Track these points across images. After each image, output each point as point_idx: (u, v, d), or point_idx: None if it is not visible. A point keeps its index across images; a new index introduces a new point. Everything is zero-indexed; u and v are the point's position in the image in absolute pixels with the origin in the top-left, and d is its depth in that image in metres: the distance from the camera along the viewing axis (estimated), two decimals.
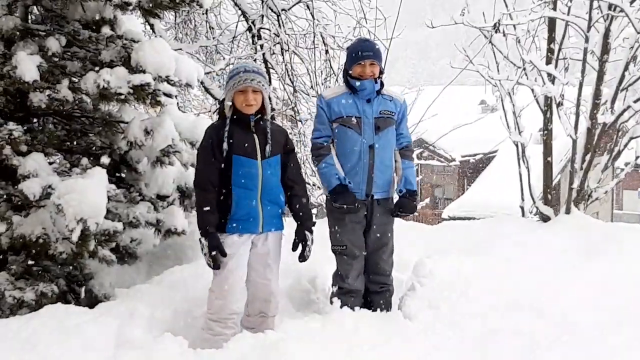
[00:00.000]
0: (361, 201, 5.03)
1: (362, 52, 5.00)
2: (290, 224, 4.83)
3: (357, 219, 5.07)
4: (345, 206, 4.97)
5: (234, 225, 4.47)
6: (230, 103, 4.51)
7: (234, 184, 4.46)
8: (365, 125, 4.97)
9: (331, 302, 5.11)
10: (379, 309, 5.18)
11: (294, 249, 4.72)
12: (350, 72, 5.07)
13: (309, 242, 4.73)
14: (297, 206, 4.75)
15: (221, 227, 4.44)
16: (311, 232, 4.76)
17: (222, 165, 4.44)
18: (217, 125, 4.59)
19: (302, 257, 4.74)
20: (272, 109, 4.90)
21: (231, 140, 4.44)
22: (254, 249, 4.58)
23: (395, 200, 5.23)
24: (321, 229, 5.38)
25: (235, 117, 4.52)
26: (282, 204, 4.68)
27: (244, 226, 4.49)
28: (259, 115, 4.57)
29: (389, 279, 5.29)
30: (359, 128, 4.97)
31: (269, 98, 4.65)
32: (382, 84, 5.10)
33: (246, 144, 4.49)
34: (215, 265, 4.39)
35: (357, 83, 4.99)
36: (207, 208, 4.40)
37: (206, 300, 4.61)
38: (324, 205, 10.23)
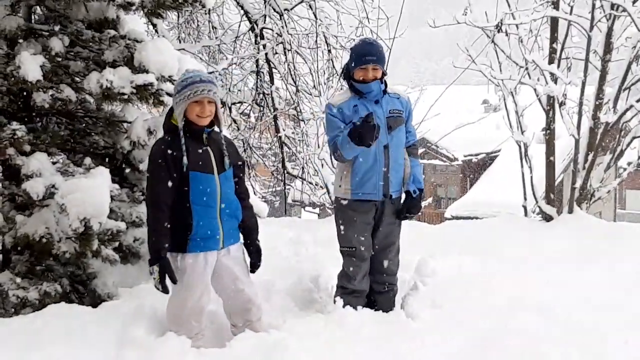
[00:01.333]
0: (373, 202, 5.03)
1: (365, 56, 4.91)
2: None
3: (367, 220, 5.05)
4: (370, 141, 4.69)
5: (195, 245, 4.25)
6: (182, 114, 4.24)
7: (194, 201, 4.22)
8: None
9: (334, 302, 5.11)
10: (382, 309, 5.17)
11: (251, 264, 4.62)
12: (352, 74, 5.02)
13: (259, 254, 4.64)
14: (248, 220, 4.60)
15: (181, 247, 4.24)
16: (259, 242, 4.67)
17: (178, 183, 4.20)
18: (169, 139, 4.29)
19: (255, 269, 4.63)
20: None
21: (188, 156, 4.20)
22: (218, 264, 4.40)
23: (403, 199, 5.21)
24: (325, 229, 5.40)
25: (187, 130, 4.26)
26: (239, 216, 4.49)
27: (205, 244, 4.27)
28: (212, 128, 4.39)
29: (395, 278, 5.28)
30: None
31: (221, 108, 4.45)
32: (386, 84, 5.07)
33: (202, 159, 4.27)
34: (165, 290, 4.19)
35: (363, 87, 4.94)
36: (160, 230, 4.16)
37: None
38: (327, 205, 10.22)
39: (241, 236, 4.60)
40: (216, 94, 4.29)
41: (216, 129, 4.43)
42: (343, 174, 5.06)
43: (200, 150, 4.28)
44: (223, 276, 4.44)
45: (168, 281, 4.17)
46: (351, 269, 5.10)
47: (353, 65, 4.98)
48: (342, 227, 5.12)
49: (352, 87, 5.03)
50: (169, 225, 4.18)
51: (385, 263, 5.18)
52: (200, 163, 4.25)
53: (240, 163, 4.59)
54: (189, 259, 4.25)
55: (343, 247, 5.14)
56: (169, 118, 4.36)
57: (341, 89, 9.52)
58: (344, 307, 4.98)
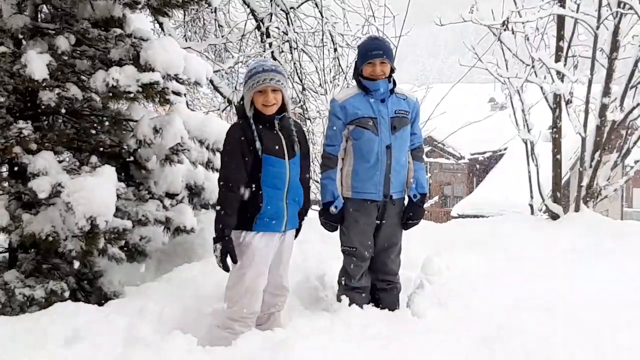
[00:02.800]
0: (374, 202, 5.02)
1: (372, 51, 4.90)
2: None
3: (369, 221, 5.04)
4: (328, 223, 5.08)
5: (262, 224, 4.41)
6: (250, 103, 4.42)
7: (264, 183, 4.40)
8: (381, 125, 4.90)
9: (339, 300, 5.11)
10: (387, 307, 5.17)
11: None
12: (361, 71, 5.02)
13: (298, 234, 4.88)
14: (304, 203, 4.76)
15: (248, 225, 4.40)
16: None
17: (251, 165, 4.37)
18: (242, 125, 4.45)
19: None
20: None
21: (261, 140, 4.37)
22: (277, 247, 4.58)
23: (406, 202, 5.21)
24: None
25: (258, 117, 4.43)
26: (302, 202, 4.68)
27: (271, 225, 4.45)
28: (282, 114, 4.50)
29: (396, 277, 5.27)
30: (375, 129, 4.89)
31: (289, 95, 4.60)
32: (394, 83, 5.05)
33: (274, 144, 4.43)
34: (226, 268, 4.34)
35: (371, 84, 4.92)
36: (229, 211, 4.32)
37: (215, 298, 4.61)
38: None
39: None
40: (280, 82, 4.40)
41: (287, 115, 4.55)
42: (344, 172, 5.04)
43: (272, 136, 4.45)
44: (273, 257, 4.57)
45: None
46: (351, 267, 5.11)
47: (361, 61, 4.98)
48: (343, 227, 5.11)
49: (359, 83, 5.02)
50: (236, 207, 4.35)
51: (387, 263, 5.18)
52: (273, 147, 4.43)
53: (305, 150, 4.72)
54: (253, 237, 4.42)
55: (344, 247, 5.13)
56: (242, 105, 4.50)
57: (347, 87, 9.50)
58: (349, 305, 4.98)
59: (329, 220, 5.06)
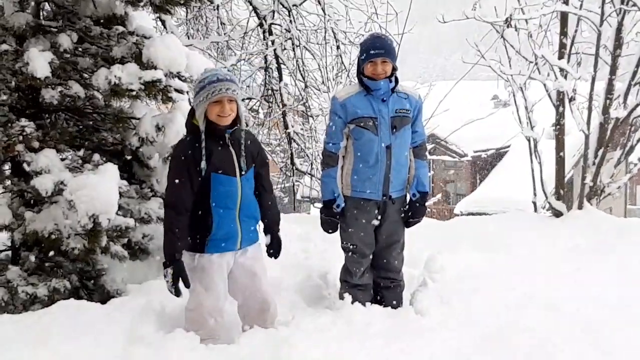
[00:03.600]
0: (374, 201, 5.01)
1: (374, 50, 4.86)
2: None
3: (369, 218, 5.03)
4: (329, 219, 5.08)
5: (214, 245, 4.26)
6: (203, 116, 4.17)
7: (214, 203, 4.21)
8: (381, 125, 4.88)
9: (342, 298, 5.11)
10: (390, 305, 5.17)
11: (268, 250, 4.69)
12: (362, 69, 5.00)
13: (280, 242, 4.73)
14: (271, 212, 4.65)
15: (200, 247, 4.25)
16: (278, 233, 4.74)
17: (199, 184, 4.17)
18: (189, 140, 4.22)
19: (275, 255, 4.73)
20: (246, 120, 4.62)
21: (209, 158, 4.15)
22: (236, 264, 4.43)
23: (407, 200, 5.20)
24: None
25: (209, 131, 4.19)
26: (258, 217, 4.51)
27: (224, 245, 4.28)
28: (234, 127, 4.29)
29: (400, 274, 5.27)
30: (375, 129, 4.87)
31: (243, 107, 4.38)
32: (396, 81, 5.03)
33: (224, 161, 4.22)
34: (178, 294, 4.17)
35: (372, 84, 4.90)
36: (177, 233, 4.13)
37: None
38: None
39: (261, 235, 4.63)
40: (235, 92, 4.19)
41: (240, 127, 4.34)
42: (344, 171, 5.04)
43: (222, 152, 4.23)
44: (240, 276, 4.45)
45: (181, 284, 4.16)
46: (352, 265, 5.12)
47: (362, 59, 4.96)
48: (343, 224, 5.11)
49: (361, 81, 5.01)
50: (186, 229, 4.17)
51: (389, 260, 5.18)
52: (222, 165, 4.21)
53: (261, 162, 4.55)
54: (207, 259, 4.26)
55: (345, 244, 5.13)
56: (191, 118, 4.27)
57: (350, 84, 9.49)
58: (352, 303, 4.98)
59: (330, 216, 5.06)
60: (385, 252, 5.15)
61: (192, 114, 4.28)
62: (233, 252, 4.37)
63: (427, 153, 5.35)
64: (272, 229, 4.68)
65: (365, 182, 4.96)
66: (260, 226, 4.64)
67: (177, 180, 4.15)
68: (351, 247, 5.07)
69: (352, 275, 5.12)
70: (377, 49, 4.87)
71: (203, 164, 4.12)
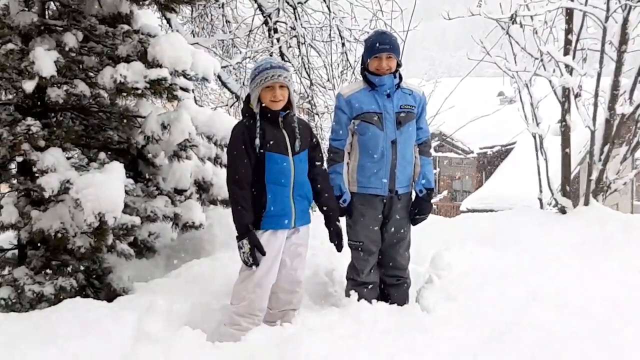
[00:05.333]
0: (380, 197, 5.01)
1: (379, 45, 4.90)
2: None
3: (375, 215, 5.04)
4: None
5: (269, 221, 4.43)
6: (257, 99, 4.46)
7: (268, 180, 4.43)
8: (386, 120, 4.90)
9: (348, 295, 5.11)
10: (396, 302, 5.16)
11: (332, 240, 4.83)
12: (367, 65, 5.02)
13: (341, 233, 4.86)
14: (326, 200, 4.79)
15: (255, 224, 4.40)
16: (339, 223, 4.87)
17: (255, 163, 4.41)
18: (245, 122, 4.51)
19: (340, 247, 4.88)
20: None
21: (263, 138, 4.40)
22: (287, 242, 4.57)
23: (413, 197, 5.20)
24: (340, 223, 5.37)
25: (264, 114, 4.46)
26: (311, 198, 4.69)
27: (278, 222, 4.46)
28: (287, 111, 4.54)
29: (406, 272, 5.27)
30: (380, 124, 4.89)
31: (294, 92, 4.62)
32: (400, 77, 5.05)
33: (277, 141, 4.45)
34: (255, 262, 4.34)
35: (376, 79, 4.92)
36: (245, 205, 4.35)
37: (224, 294, 4.60)
38: None
39: (311, 218, 4.78)
40: (287, 79, 4.46)
41: (291, 112, 4.59)
42: (350, 167, 5.06)
43: (275, 132, 4.48)
44: (285, 254, 4.59)
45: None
46: (359, 262, 5.12)
47: (367, 55, 4.98)
48: (350, 221, 5.12)
49: (365, 78, 5.02)
50: (250, 201, 4.40)
51: (396, 258, 5.18)
52: (276, 144, 4.45)
53: (314, 144, 4.76)
54: (262, 235, 4.41)
55: (351, 241, 5.14)
56: (247, 103, 4.56)
57: (355, 81, 9.49)
58: (358, 300, 4.98)
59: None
60: (391, 250, 5.15)
61: (248, 99, 4.58)
62: (287, 230, 4.53)
63: (431, 150, 5.36)
64: (332, 220, 4.83)
65: (371, 177, 4.96)
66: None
67: (237, 158, 4.42)
68: (358, 244, 5.08)
69: (358, 273, 5.12)
70: (382, 44, 4.92)
71: (257, 142, 4.38)
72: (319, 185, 4.75)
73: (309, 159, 4.67)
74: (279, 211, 4.45)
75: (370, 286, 5.14)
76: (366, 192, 5.00)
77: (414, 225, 5.21)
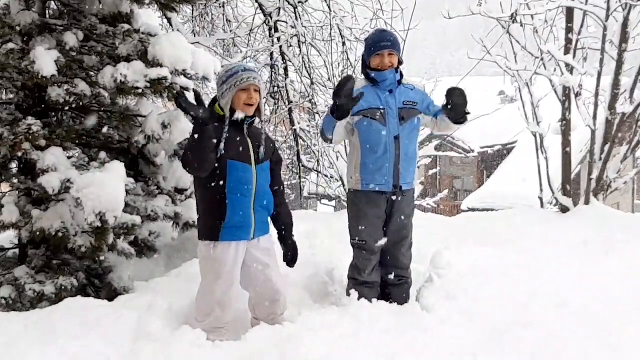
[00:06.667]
0: (384, 194, 5.02)
1: (380, 42, 4.93)
2: None
3: (379, 214, 5.04)
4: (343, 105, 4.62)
5: (228, 233, 4.29)
6: (229, 103, 4.28)
7: (229, 190, 4.26)
8: (389, 116, 4.91)
9: (348, 294, 5.11)
10: (396, 301, 5.17)
11: (285, 258, 4.72)
12: (369, 63, 5.03)
13: (297, 249, 4.74)
14: (283, 215, 4.68)
15: (214, 235, 4.29)
16: (294, 237, 4.75)
17: (216, 170, 4.23)
18: (213, 124, 4.19)
19: (293, 264, 4.75)
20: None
21: (227, 144, 4.23)
22: (248, 255, 4.45)
23: (415, 194, 5.17)
24: (341, 222, 5.38)
25: (232, 119, 4.28)
26: (271, 209, 4.55)
27: (237, 233, 4.32)
28: (252, 120, 4.41)
29: (408, 271, 5.28)
30: (383, 120, 4.90)
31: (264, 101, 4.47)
32: (401, 75, 5.06)
33: (241, 149, 4.30)
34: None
35: (378, 75, 4.94)
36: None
37: None
38: (342, 198, 10.22)
39: (272, 228, 4.65)
40: (261, 82, 4.35)
41: (259, 118, 4.48)
42: (353, 165, 5.06)
43: (239, 140, 4.32)
44: (253, 266, 4.48)
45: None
46: (361, 261, 5.11)
47: (368, 53, 5.00)
48: (353, 220, 5.12)
49: (367, 75, 5.02)
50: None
51: (398, 257, 5.18)
52: (239, 152, 4.29)
53: (276, 158, 4.63)
54: (220, 247, 4.31)
55: (354, 240, 5.13)
56: (212, 106, 4.35)
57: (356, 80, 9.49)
58: (358, 299, 4.98)
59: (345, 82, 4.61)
60: (394, 249, 5.15)
61: (212, 103, 4.39)
62: (246, 241, 4.40)
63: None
64: (287, 236, 4.72)
65: (375, 173, 4.96)
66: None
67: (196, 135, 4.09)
68: (361, 243, 5.08)
69: (360, 272, 5.12)
70: (383, 41, 4.95)
71: (222, 146, 4.19)
72: (277, 200, 4.60)
73: (270, 170, 4.54)
74: (238, 222, 4.31)
75: (371, 286, 5.14)
76: (370, 190, 4.99)
77: (446, 107, 4.95)
